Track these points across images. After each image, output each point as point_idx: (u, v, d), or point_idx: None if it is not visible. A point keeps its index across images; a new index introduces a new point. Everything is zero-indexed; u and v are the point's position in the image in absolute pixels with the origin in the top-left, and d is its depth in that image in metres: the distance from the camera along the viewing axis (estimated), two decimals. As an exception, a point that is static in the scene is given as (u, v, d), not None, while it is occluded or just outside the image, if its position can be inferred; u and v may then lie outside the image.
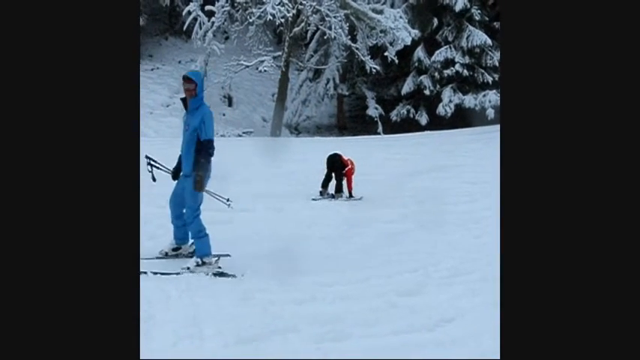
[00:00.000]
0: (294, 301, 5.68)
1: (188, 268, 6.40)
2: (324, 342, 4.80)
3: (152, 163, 7.25)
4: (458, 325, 5.24)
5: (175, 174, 6.79)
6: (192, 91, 6.38)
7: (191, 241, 6.83)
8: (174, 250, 6.96)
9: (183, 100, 6.50)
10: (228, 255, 6.89)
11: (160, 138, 22.13)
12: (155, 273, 6.16)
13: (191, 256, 6.67)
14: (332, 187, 11.67)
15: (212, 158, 6.47)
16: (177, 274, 6.27)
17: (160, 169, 7.29)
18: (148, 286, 5.64)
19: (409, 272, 6.73)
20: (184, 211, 6.63)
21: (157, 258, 6.80)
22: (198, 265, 6.47)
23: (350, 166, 11.65)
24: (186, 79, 6.44)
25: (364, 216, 9.89)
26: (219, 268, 6.53)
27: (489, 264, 6.51)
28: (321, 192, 11.52)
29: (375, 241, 8.31)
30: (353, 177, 11.67)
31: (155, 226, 7.95)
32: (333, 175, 11.63)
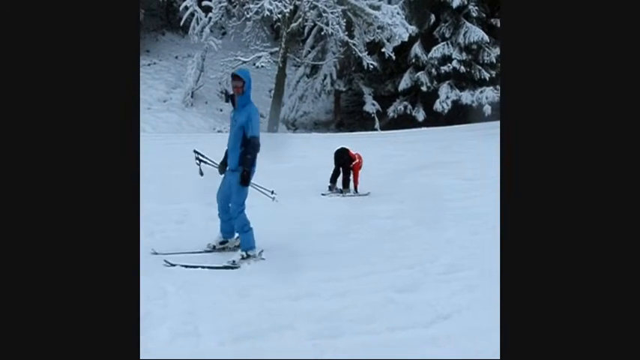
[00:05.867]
0: (290, 297, 5.68)
1: (233, 262, 6.59)
2: (320, 339, 4.80)
3: (200, 157, 7.47)
4: (454, 322, 5.24)
5: (222, 168, 6.96)
6: (240, 88, 6.61)
7: (236, 235, 7.03)
8: (221, 243, 7.15)
9: (231, 97, 6.72)
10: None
11: (157, 134, 22.11)
12: (186, 266, 6.33)
13: (236, 250, 6.90)
14: (340, 182, 11.73)
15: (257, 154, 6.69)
16: (204, 267, 6.40)
17: (207, 163, 7.47)
18: (145, 282, 5.61)
19: (406, 268, 6.73)
20: (230, 205, 6.84)
21: (206, 251, 6.99)
22: (243, 258, 6.69)
23: (357, 160, 11.67)
24: (235, 76, 6.68)
25: (362, 212, 9.89)
26: (263, 259, 6.79)
27: (486, 260, 6.51)
28: (329, 187, 11.56)
29: (372, 238, 8.31)
30: (360, 171, 11.68)
31: (153, 222, 7.96)
32: (341, 169, 11.65)
